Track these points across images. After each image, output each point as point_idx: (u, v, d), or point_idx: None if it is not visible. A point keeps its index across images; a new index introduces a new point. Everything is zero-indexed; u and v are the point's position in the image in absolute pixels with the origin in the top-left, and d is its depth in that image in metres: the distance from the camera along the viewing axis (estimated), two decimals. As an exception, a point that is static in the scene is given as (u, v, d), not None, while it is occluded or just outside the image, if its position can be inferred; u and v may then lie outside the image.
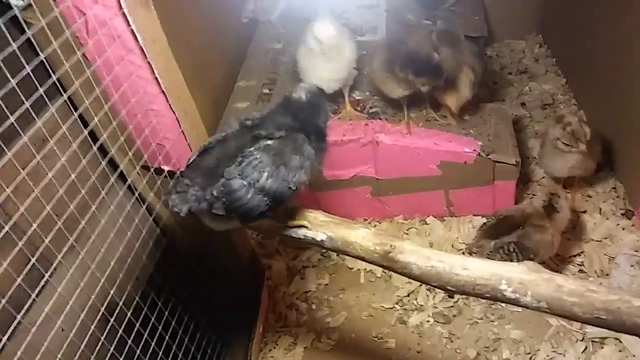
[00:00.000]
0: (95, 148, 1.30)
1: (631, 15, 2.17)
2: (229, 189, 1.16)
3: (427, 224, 2.34)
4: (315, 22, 2.03)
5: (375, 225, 2.37)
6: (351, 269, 2.22)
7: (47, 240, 1.09)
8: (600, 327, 1.08)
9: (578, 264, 2.13)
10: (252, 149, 1.20)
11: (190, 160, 1.25)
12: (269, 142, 1.22)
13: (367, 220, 2.38)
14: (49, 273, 1.10)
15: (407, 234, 2.32)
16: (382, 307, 2.08)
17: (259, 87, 2.41)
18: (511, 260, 1.93)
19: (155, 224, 1.57)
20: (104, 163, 1.32)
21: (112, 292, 1.28)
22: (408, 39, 2.08)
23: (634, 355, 1.82)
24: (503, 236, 1.94)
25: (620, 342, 1.85)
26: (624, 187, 2.34)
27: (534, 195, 2.37)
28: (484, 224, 2.07)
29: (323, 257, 2.27)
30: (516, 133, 2.33)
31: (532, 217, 1.92)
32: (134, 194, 1.44)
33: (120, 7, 1.22)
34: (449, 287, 1.19)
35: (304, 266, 2.24)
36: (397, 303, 2.08)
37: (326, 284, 2.18)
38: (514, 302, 1.14)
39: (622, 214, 2.26)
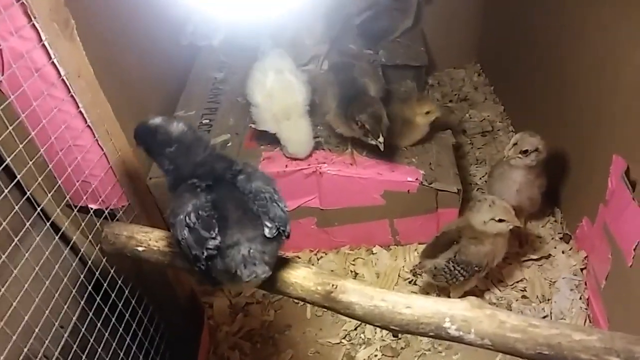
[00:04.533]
0: (11, 186, 1.19)
1: (564, 45, 2.27)
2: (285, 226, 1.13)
3: (373, 253, 2.32)
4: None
5: (321, 257, 2.32)
6: (297, 303, 2.15)
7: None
8: (544, 362, 1.07)
9: (521, 290, 2.15)
10: (245, 186, 1.15)
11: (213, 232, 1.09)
12: (243, 175, 1.18)
13: (313, 251, 2.33)
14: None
15: (353, 264, 2.28)
16: (329, 342, 2.02)
17: (198, 116, 2.32)
18: (457, 278, 1.93)
19: (82, 265, 1.46)
20: (20, 202, 1.22)
21: (26, 349, 1.16)
22: (358, 82, 2.10)
23: (577, 380, 1.84)
24: (442, 254, 1.94)
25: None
26: (561, 211, 2.41)
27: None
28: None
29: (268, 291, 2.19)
30: (458, 160, 2.36)
31: (466, 230, 1.92)
32: (57, 234, 1.33)
33: (41, 40, 1.14)
34: (393, 327, 1.15)
35: (247, 302, 2.15)
36: (344, 338, 2.03)
37: (271, 321, 2.10)
38: (458, 340, 1.12)
39: (560, 238, 2.32)
